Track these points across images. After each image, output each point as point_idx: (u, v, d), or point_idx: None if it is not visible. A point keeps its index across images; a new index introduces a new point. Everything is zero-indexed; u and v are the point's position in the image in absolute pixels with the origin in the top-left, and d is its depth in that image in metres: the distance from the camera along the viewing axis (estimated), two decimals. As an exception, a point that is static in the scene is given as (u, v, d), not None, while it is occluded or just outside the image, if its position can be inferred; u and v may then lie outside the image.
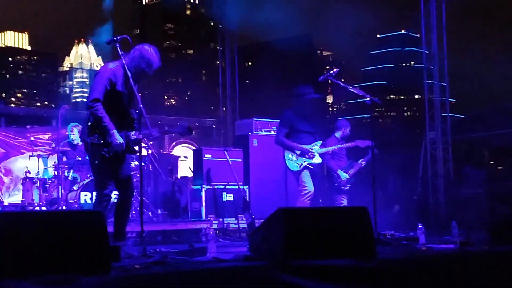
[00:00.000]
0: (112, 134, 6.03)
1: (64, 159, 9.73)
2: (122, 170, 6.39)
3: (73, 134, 9.92)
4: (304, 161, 8.39)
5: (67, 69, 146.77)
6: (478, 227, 8.74)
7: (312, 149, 8.46)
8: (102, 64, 6.84)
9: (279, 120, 8.91)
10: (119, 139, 6.05)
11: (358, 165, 9.72)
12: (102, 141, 6.05)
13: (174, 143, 14.47)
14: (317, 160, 8.51)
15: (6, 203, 11.13)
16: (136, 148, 6.39)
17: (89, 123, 6.11)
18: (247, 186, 10.34)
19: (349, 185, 9.72)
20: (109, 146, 6.07)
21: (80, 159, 9.50)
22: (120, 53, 6.15)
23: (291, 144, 8.44)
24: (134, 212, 9.18)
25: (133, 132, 6.19)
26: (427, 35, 13.09)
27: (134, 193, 9.09)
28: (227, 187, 10.12)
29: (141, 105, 5.96)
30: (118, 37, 6.13)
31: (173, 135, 14.49)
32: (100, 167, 6.14)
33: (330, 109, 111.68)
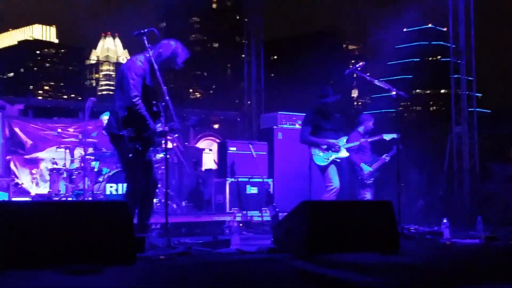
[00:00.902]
0: (154, 128, 6.13)
1: (91, 150, 9.83)
2: (148, 162, 6.46)
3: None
4: (331, 155, 8.41)
5: (93, 62, 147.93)
6: (503, 222, 8.70)
7: (337, 142, 8.48)
8: (129, 57, 6.84)
9: (302, 119, 8.93)
10: (158, 125, 6.14)
11: (382, 159, 9.67)
12: (135, 135, 6.10)
13: (199, 136, 14.53)
14: (344, 154, 8.53)
15: (33, 193, 11.27)
16: (162, 140, 6.44)
17: (119, 116, 6.13)
18: (271, 179, 10.36)
19: (372, 179, 9.68)
20: (142, 139, 6.14)
21: (106, 151, 9.58)
22: (147, 46, 6.19)
23: (316, 140, 8.47)
24: (158, 204, 9.25)
25: (159, 125, 6.24)
26: (454, 29, 12.97)
27: (159, 185, 9.22)
28: (251, 180, 10.15)
29: (167, 98, 6.01)
30: (146, 30, 6.17)
31: (196, 128, 14.62)
32: (134, 160, 6.19)
33: (355, 103, 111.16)
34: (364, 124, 9.77)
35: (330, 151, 8.42)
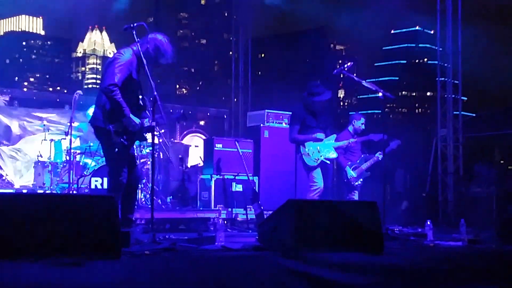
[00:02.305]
0: (129, 118, 6.08)
1: (78, 143, 9.80)
2: (132, 157, 6.46)
3: None
4: (321, 156, 8.42)
5: (80, 55, 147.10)
6: (486, 225, 8.76)
7: (323, 139, 8.48)
8: (115, 51, 6.81)
9: (290, 117, 8.93)
10: (137, 121, 6.11)
11: (375, 158, 9.65)
12: (121, 129, 6.09)
13: (185, 132, 14.51)
14: (333, 154, 8.57)
15: (17, 186, 11.21)
16: (149, 135, 6.44)
17: (107, 109, 6.12)
18: (256, 177, 10.38)
19: (361, 179, 9.67)
20: (128, 133, 6.13)
21: (92, 144, 9.55)
22: (136, 40, 6.18)
23: (305, 137, 8.47)
24: (143, 199, 9.24)
25: (146, 120, 6.23)
26: (442, 32, 13.04)
27: (144, 180, 9.20)
28: (236, 177, 10.16)
29: (155, 93, 6.00)
30: (135, 24, 6.15)
31: (184, 124, 14.59)
32: (119, 155, 6.18)
33: (341, 104, 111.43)
34: (354, 123, 9.77)
35: (317, 150, 8.43)
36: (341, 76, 8.94)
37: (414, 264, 5.10)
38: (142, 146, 9.41)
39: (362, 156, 9.74)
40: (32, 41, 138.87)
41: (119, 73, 6.07)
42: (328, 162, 8.50)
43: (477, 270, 4.87)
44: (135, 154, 6.73)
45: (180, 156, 11.44)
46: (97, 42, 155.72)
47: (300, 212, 5.41)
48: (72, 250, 4.44)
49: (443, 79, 13.15)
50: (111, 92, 6.01)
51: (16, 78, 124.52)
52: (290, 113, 9.18)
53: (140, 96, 6.44)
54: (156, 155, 9.80)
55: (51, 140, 10.14)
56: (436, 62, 13.59)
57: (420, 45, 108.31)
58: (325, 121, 8.68)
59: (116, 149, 6.15)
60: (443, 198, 12.65)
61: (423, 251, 6.46)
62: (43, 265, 4.06)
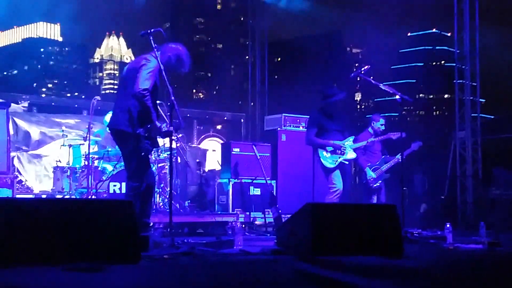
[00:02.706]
0: (155, 123, 6.15)
1: (96, 149, 9.84)
2: (150, 161, 6.51)
3: None
4: (339, 157, 8.42)
5: (97, 61, 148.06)
6: (506, 228, 8.69)
7: (343, 144, 8.49)
8: (132, 57, 6.87)
9: (308, 120, 8.93)
10: (159, 126, 6.17)
11: (395, 160, 9.60)
12: (148, 134, 6.14)
13: (202, 136, 14.54)
14: (352, 155, 8.56)
15: (36, 191, 11.29)
16: (166, 140, 6.47)
17: (133, 114, 6.16)
18: (274, 181, 10.36)
19: (380, 181, 9.60)
20: (151, 138, 6.19)
21: (110, 149, 9.60)
22: (154, 46, 6.21)
23: (322, 141, 8.48)
24: (161, 204, 9.26)
25: (164, 124, 6.26)
26: (459, 34, 12.97)
27: (162, 185, 9.24)
28: (254, 181, 10.16)
29: (172, 98, 6.03)
30: (152, 30, 6.19)
31: (201, 128, 14.64)
32: (144, 159, 6.23)
33: (358, 107, 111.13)
34: (374, 124, 9.70)
35: (337, 153, 8.43)
36: (358, 79, 8.94)
37: (434, 267, 5.07)
38: (160, 151, 9.45)
39: (383, 157, 9.67)
40: (50, 48, 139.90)
41: (150, 79, 6.13)
42: (347, 163, 8.49)
43: (499, 273, 4.83)
44: (152, 159, 6.77)
45: (197, 160, 11.47)
46: (114, 48, 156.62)
47: (318, 216, 5.40)
48: (91, 255, 4.45)
49: (461, 81, 13.07)
50: (144, 97, 6.06)
51: (35, 84, 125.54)
52: (307, 116, 9.17)
53: (159, 102, 6.51)
54: (173, 160, 9.85)
55: (70, 145, 10.20)
56: (454, 64, 13.51)
57: (437, 47, 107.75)
58: (342, 123, 8.66)
59: (143, 153, 6.20)
60: (462, 200, 12.57)
61: (443, 254, 6.42)
62: (62, 270, 4.08)
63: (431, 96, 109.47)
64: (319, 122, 8.54)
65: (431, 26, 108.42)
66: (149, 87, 6.08)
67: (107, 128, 10.09)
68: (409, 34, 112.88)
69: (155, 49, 6.21)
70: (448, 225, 7.25)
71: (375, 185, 9.51)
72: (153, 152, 9.02)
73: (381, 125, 9.66)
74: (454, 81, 13.28)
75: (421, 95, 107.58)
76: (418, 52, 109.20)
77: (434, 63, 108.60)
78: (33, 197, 10.26)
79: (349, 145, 8.55)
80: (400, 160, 9.42)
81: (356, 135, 9.11)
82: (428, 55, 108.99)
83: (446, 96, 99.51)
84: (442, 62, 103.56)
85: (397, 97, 7.90)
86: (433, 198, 13.21)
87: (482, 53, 12.95)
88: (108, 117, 10.19)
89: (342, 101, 8.64)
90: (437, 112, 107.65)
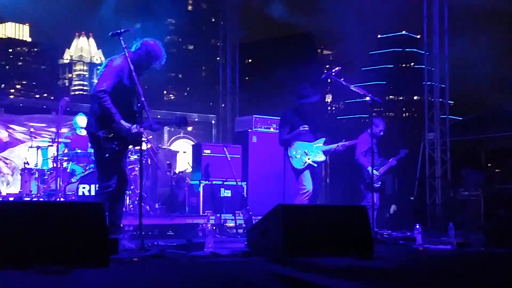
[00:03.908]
0: (119, 123, 6.08)
1: (65, 150, 9.73)
2: (123, 163, 6.44)
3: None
4: (309, 159, 8.33)
5: (67, 61, 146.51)
6: (475, 228, 8.79)
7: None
8: (102, 57, 6.84)
9: (280, 120, 8.84)
10: (127, 125, 6.09)
11: (389, 163, 9.67)
12: (112, 134, 6.08)
13: (173, 138, 14.48)
14: (321, 157, 8.45)
15: (3, 193, 11.13)
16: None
17: (97, 116, 6.13)
18: (245, 183, 10.36)
19: (380, 183, 9.66)
20: (119, 139, 6.12)
21: (79, 151, 9.49)
22: (124, 46, 6.15)
23: (291, 135, 8.34)
24: (131, 206, 9.19)
25: (134, 125, 6.18)
26: (428, 37, 13.10)
27: (132, 187, 9.16)
28: (225, 183, 10.14)
29: (143, 99, 5.98)
30: (122, 30, 6.13)
31: (172, 129, 14.55)
32: (109, 160, 6.18)
33: (329, 108, 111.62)
34: (373, 127, 9.70)
35: (305, 153, 8.35)
36: (329, 80, 8.96)
37: (404, 268, 5.11)
38: (130, 153, 9.36)
39: (380, 160, 9.73)
40: (19, 48, 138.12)
41: (108, 79, 6.10)
42: (316, 165, 8.40)
43: (468, 273, 4.87)
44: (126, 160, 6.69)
45: (168, 162, 11.41)
46: (84, 49, 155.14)
47: (289, 217, 5.40)
48: (60, 258, 4.40)
49: (430, 83, 13.20)
50: (100, 99, 6.05)
51: (3, 85, 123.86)
52: (278, 118, 9.13)
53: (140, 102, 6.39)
54: (144, 161, 9.77)
55: (38, 147, 10.06)
56: (423, 66, 13.65)
57: (406, 49, 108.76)
58: (315, 124, 8.61)
59: (107, 155, 6.15)
60: (431, 201, 12.70)
61: (412, 255, 6.47)
62: (30, 273, 4.02)
63: (401, 98, 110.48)
64: (292, 122, 8.47)
65: (401, 29, 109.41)
66: (106, 88, 6.06)
67: (78, 130, 10.05)
68: (379, 36, 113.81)
69: (125, 49, 6.15)
70: (417, 226, 7.30)
71: (377, 185, 9.51)
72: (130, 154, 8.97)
73: (380, 130, 9.69)
74: (424, 83, 13.40)
75: (391, 96, 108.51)
76: (388, 54, 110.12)
77: (403, 65, 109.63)
78: (0, 200, 10.11)
79: (319, 147, 8.50)
80: (393, 164, 9.55)
81: (327, 137, 8.99)
82: (398, 57, 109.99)
83: (415, 98, 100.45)
84: (412, 64, 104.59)
85: (368, 98, 7.94)
86: (402, 199, 13.30)
87: (451, 55, 13.08)
88: (78, 118, 10.10)
89: (314, 103, 8.61)
90: (407, 113, 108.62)
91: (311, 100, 8.47)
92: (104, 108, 6.06)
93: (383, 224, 10.44)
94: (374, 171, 9.47)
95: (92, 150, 7.13)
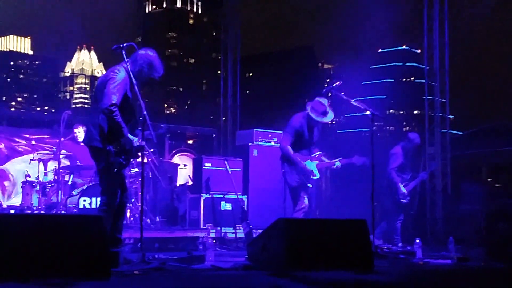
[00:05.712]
0: (128, 137, 6.03)
1: (67, 163, 9.74)
2: (124, 176, 6.43)
3: (79, 132, 9.92)
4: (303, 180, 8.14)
5: (68, 74, 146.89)
6: (475, 243, 8.79)
7: (313, 171, 8.18)
8: (104, 70, 6.83)
9: (289, 123, 8.47)
10: (134, 139, 6.08)
11: (419, 177, 9.76)
12: (119, 148, 6.04)
13: (174, 151, 14.49)
14: (315, 176, 8.27)
15: (4, 206, 11.12)
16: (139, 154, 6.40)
17: (104, 129, 6.06)
18: (245, 196, 10.36)
19: (408, 198, 9.71)
20: (126, 153, 6.08)
21: (80, 164, 9.51)
22: (126, 59, 6.15)
23: (295, 159, 8.14)
24: (132, 219, 9.19)
25: (136, 139, 6.17)
26: (429, 51, 13.14)
27: (133, 200, 9.18)
28: (225, 196, 10.15)
29: (144, 112, 5.98)
30: (124, 44, 6.14)
31: (173, 142, 14.57)
32: (116, 175, 6.12)
33: (329, 122, 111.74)
34: (407, 141, 9.75)
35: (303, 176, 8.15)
36: (329, 94, 8.93)
37: (403, 282, 5.11)
38: (131, 166, 9.37)
39: (410, 175, 9.79)
40: (20, 61, 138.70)
41: (117, 92, 5.99)
42: (310, 186, 8.16)
43: (466, 288, 4.88)
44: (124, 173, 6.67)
45: (169, 175, 11.41)
46: (85, 62, 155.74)
47: (289, 231, 5.42)
48: (61, 271, 4.41)
49: (430, 97, 13.24)
50: (112, 113, 5.91)
51: (4, 98, 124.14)
52: (279, 132, 9.05)
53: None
54: (145, 174, 9.78)
55: (40, 160, 10.08)
56: (423, 80, 13.68)
57: (407, 64, 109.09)
58: (317, 136, 8.49)
59: (115, 169, 6.09)
60: (432, 216, 12.68)
61: (412, 269, 6.47)
62: (31, 286, 4.03)
63: (401, 112, 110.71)
64: (297, 130, 8.21)
65: (402, 43, 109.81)
66: (116, 101, 5.96)
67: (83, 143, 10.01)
68: (379, 51, 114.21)
69: (127, 63, 6.14)
70: (417, 240, 7.31)
71: (405, 201, 9.59)
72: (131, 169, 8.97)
73: (413, 146, 9.74)
74: (424, 97, 13.43)
75: (391, 111, 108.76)
76: (388, 69, 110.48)
77: (404, 79, 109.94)
78: (1, 212, 10.10)
79: (314, 162, 8.25)
80: (424, 178, 9.65)
81: (323, 152, 8.80)
82: (399, 72, 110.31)
83: (416, 112, 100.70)
84: (412, 78, 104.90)
85: (368, 112, 7.93)
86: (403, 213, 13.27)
87: (452, 69, 13.12)
88: (77, 131, 10.08)
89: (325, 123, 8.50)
90: (407, 127, 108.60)
91: (323, 120, 8.32)
92: (115, 123, 5.95)
93: (383, 238, 10.42)
94: (403, 188, 9.54)
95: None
